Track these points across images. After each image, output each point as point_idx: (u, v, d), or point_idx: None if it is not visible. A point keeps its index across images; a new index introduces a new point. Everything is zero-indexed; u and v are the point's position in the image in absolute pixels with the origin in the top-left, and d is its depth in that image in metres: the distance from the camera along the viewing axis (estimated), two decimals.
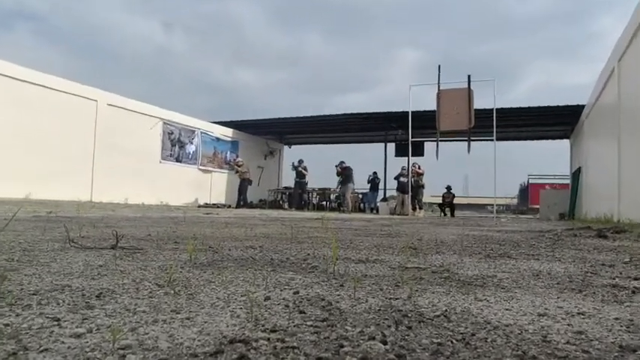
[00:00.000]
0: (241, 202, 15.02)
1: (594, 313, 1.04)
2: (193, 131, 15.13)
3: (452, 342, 0.78)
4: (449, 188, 16.89)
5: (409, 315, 0.97)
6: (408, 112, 11.18)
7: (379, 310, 1.01)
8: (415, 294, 1.20)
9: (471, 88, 10.10)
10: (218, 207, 13.33)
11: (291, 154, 20.37)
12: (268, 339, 0.76)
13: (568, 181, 16.54)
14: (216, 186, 16.19)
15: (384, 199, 16.43)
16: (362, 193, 17.40)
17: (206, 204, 14.75)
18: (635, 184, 6.39)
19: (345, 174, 15.11)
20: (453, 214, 15.89)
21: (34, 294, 1.07)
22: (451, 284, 1.38)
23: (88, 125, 11.38)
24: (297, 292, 1.18)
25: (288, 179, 18.74)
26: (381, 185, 16.80)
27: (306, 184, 16.66)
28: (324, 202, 17.37)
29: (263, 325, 0.85)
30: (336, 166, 15.37)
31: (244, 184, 15.29)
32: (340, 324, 0.88)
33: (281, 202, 17.80)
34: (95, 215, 5.18)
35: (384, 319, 0.93)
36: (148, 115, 13.33)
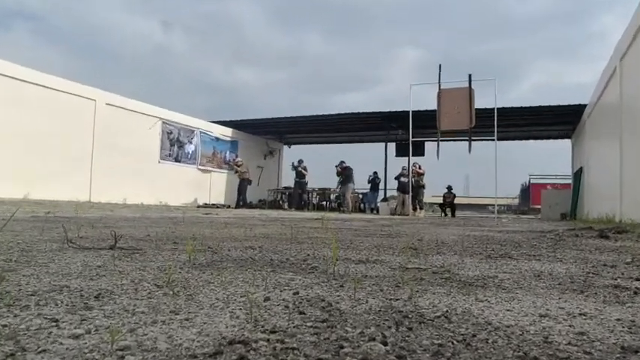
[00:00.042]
0: (241, 203, 15.00)
1: (596, 314, 1.03)
2: (192, 131, 15.11)
3: (453, 343, 0.78)
4: (449, 188, 16.86)
5: (410, 316, 0.97)
6: (408, 112, 11.16)
7: (379, 311, 1.01)
8: (416, 295, 1.20)
9: (472, 87, 10.09)
10: (217, 207, 13.33)
11: (291, 153, 20.39)
12: (268, 340, 0.76)
13: (570, 181, 16.52)
14: (215, 186, 16.18)
15: (385, 199, 16.39)
16: (362, 193, 17.36)
17: (205, 204, 14.74)
18: (637, 184, 6.38)
19: (345, 174, 15.10)
20: (453, 215, 15.87)
21: (32, 295, 1.07)
22: (452, 285, 1.38)
23: (87, 125, 11.34)
24: (297, 293, 1.18)
25: (288, 179, 18.74)
26: (381, 185, 16.75)
27: (306, 184, 16.64)
28: (324, 203, 17.34)
29: (263, 326, 0.85)
30: (336, 166, 15.35)
31: (244, 184, 15.27)
32: (340, 325, 0.88)
33: (281, 202, 17.78)
34: (94, 215, 5.17)
35: (384, 320, 0.92)
36: (147, 115, 13.30)
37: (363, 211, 16.52)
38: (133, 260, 1.70)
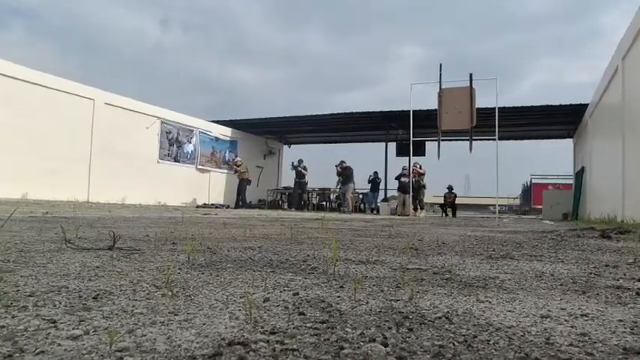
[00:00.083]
0: (240, 203, 14.98)
1: (598, 315, 1.03)
2: (192, 130, 15.09)
3: (454, 344, 0.78)
4: (450, 188, 16.82)
5: (410, 317, 0.96)
6: (409, 111, 11.12)
7: (380, 311, 1.01)
8: (416, 295, 1.20)
9: (473, 86, 10.04)
10: (216, 207, 13.31)
11: (291, 153, 20.37)
12: (267, 341, 0.76)
13: (571, 181, 16.46)
14: (214, 186, 16.16)
15: (385, 200, 16.35)
16: (362, 194, 17.32)
17: (204, 204, 14.72)
18: (639, 184, 6.36)
19: (345, 174, 15.08)
20: (454, 215, 15.85)
21: (30, 295, 1.06)
22: (453, 286, 1.38)
23: (85, 124, 11.32)
24: (297, 294, 1.18)
25: (288, 179, 18.73)
26: (381, 185, 16.70)
27: (306, 184, 16.62)
28: (324, 203, 17.31)
29: (262, 327, 0.85)
30: (337, 166, 15.32)
31: (243, 184, 15.25)
32: (340, 326, 0.87)
33: (280, 202, 17.77)
34: (92, 216, 5.16)
35: (384, 321, 0.92)
36: (145, 114, 13.28)
37: (363, 211, 16.50)
38: (131, 261, 1.69)
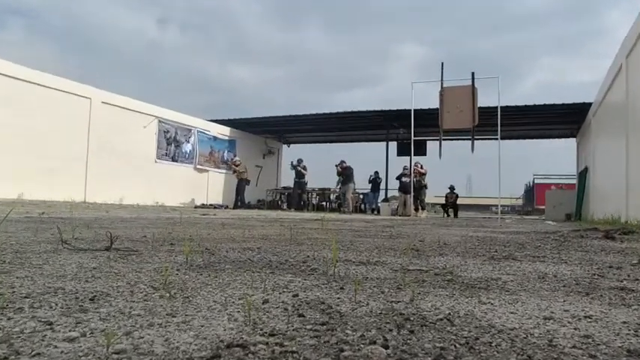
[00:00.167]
0: (239, 203, 14.96)
1: (601, 317, 1.02)
2: (190, 130, 15.05)
3: (455, 346, 0.77)
4: (452, 188, 16.78)
5: (411, 318, 0.96)
6: (410, 110, 11.07)
7: (380, 313, 1.00)
8: (417, 297, 1.19)
9: (475, 85, 10.01)
10: (215, 207, 13.29)
11: (290, 153, 20.35)
12: (267, 343, 0.75)
13: (574, 181, 16.43)
14: (213, 186, 16.13)
15: (386, 200, 16.28)
16: (363, 194, 17.27)
17: (203, 204, 14.70)
18: None
19: (345, 173, 15.06)
20: (456, 215, 15.81)
21: (26, 297, 1.06)
22: (454, 287, 1.37)
23: (82, 124, 11.25)
24: (297, 295, 1.17)
25: (287, 179, 18.70)
26: (382, 185, 16.63)
27: (306, 184, 16.60)
28: (324, 203, 17.27)
29: (261, 329, 0.84)
30: (337, 166, 15.30)
31: (242, 184, 15.23)
32: (340, 328, 0.87)
33: (280, 202, 17.74)
34: (89, 216, 5.15)
35: (385, 323, 0.91)
36: (143, 114, 13.23)
37: (363, 211, 16.48)
38: (129, 262, 1.69)
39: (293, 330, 0.84)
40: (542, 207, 17.76)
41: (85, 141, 11.35)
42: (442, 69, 10.34)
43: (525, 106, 13.65)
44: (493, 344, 0.79)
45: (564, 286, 1.45)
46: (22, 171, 9.59)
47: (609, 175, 9.09)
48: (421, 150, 14.44)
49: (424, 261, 2.02)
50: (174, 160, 14.41)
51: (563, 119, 14.96)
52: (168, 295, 1.12)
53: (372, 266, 1.79)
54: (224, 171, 16.47)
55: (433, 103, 11.11)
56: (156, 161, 13.68)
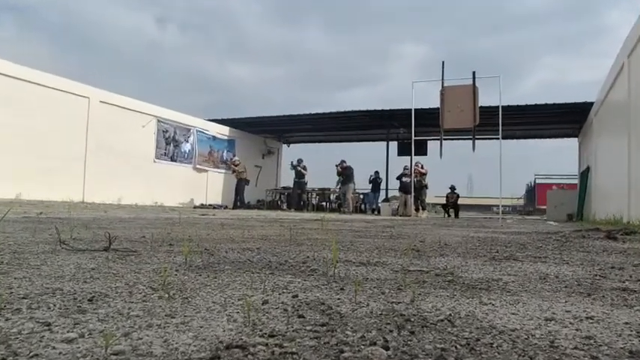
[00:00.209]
0: (238, 203, 14.94)
1: (603, 318, 1.02)
2: (189, 129, 15.03)
3: (456, 347, 0.77)
4: (453, 188, 16.75)
5: (412, 319, 0.96)
6: (410, 110, 11.04)
7: (381, 314, 1.00)
8: (418, 298, 1.19)
9: (476, 84, 9.99)
10: (214, 208, 13.28)
11: (290, 152, 20.34)
12: (266, 344, 0.75)
13: (576, 181, 16.37)
14: (212, 186, 16.11)
15: (386, 200, 16.26)
16: (363, 194, 17.24)
17: (202, 205, 14.68)
18: None
19: (345, 173, 15.04)
20: (457, 215, 15.78)
21: (24, 298, 1.05)
22: (455, 288, 1.37)
23: (80, 123, 11.22)
24: (296, 296, 1.17)
25: (287, 179, 18.68)
26: (382, 185, 16.61)
27: (306, 184, 16.58)
28: (324, 203, 17.25)
29: (261, 330, 0.84)
30: (337, 166, 15.28)
31: (241, 184, 15.21)
32: (341, 329, 0.86)
33: (279, 202, 17.72)
34: (87, 216, 5.14)
35: (385, 324, 0.91)
36: (142, 113, 13.20)
37: (363, 211, 16.45)
38: (127, 262, 1.68)
39: (293, 331, 0.84)
40: (544, 207, 17.76)
41: (84, 141, 11.32)
42: (443, 68, 10.32)
43: (527, 105, 13.62)
44: (494, 345, 0.79)
45: (566, 286, 1.44)
46: (19, 171, 9.56)
47: (611, 174, 9.06)
48: (422, 150, 14.41)
49: (425, 262, 2.02)
50: (173, 159, 14.39)
51: (565, 119, 14.93)
52: (167, 295, 1.12)
53: (373, 267, 1.79)
54: (223, 171, 16.45)
55: (434, 102, 11.10)
56: (155, 161, 13.66)
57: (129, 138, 12.61)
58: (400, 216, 12.97)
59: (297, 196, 16.23)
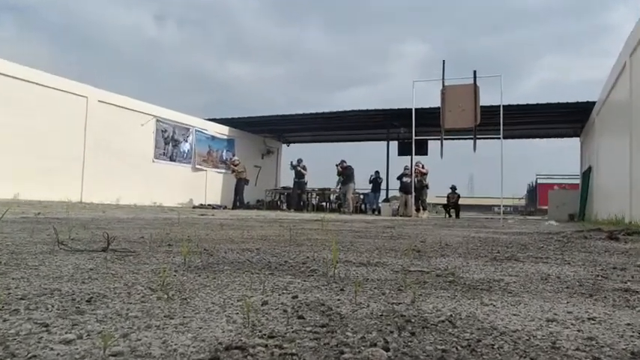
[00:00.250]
0: (238, 203, 14.93)
1: (605, 319, 1.02)
2: (188, 129, 15.01)
3: (457, 348, 0.77)
4: (454, 188, 16.73)
5: (412, 320, 0.95)
6: (411, 109, 11.02)
7: (381, 315, 0.99)
8: (419, 299, 1.18)
9: (477, 84, 9.96)
10: (213, 208, 13.27)
11: (290, 152, 20.32)
12: (266, 345, 0.75)
13: (578, 181, 16.32)
14: (211, 186, 16.09)
15: (387, 200, 16.24)
16: (363, 194, 17.20)
17: (201, 205, 14.67)
18: None
19: (345, 173, 15.01)
20: (458, 216, 15.76)
21: (22, 298, 1.05)
22: (456, 288, 1.36)
23: (78, 123, 11.18)
24: (296, 297, 1.16)
25: (287, 179, 18.66)
26: (383, 185, 16.58)
27: (306, 184, 16.55)
28: (324, 203, 17.20)
29: (260, 331, 0.84)
30: (337, 166, 15.25)
31: (241, 184, 15.19)
32: (341, 330, 0.86)
33: (279, 202, 17.70)
34: (85, 216, 5.13)
35: (386, 325, 0.91)
36: (140, 113, 13.17)
37: (364, 211, 16.42)
38: (126, 263, 1.67)
39: (292, 332, 0.84)
40: (545, 207, 17.72)
41: (82, 140, 11.28)
42: (443, 67, 10.29)
43: (528, 105, 13.59)
44: (495, 346, 0.78)
45: (567, 287, 1.44)
46: (17, 171, 9.54)
47: (613, 174, 9.04)
48: (422, 149, 14.39)
49: (425, 262, 2.01)
50: (172, 159, 14.38)
51: (567, 118, 14.91)
52: (165, 296, 1.11)
53: (373, 267, 1.78)
54: (223, 171, 16.44)
55: (434, 101, 11.05)
56: (153, 161, 13.64)
57: (127, 138, 12.59)
58: (401, 216, 12.96)
59: (296, 197, 16.21)
